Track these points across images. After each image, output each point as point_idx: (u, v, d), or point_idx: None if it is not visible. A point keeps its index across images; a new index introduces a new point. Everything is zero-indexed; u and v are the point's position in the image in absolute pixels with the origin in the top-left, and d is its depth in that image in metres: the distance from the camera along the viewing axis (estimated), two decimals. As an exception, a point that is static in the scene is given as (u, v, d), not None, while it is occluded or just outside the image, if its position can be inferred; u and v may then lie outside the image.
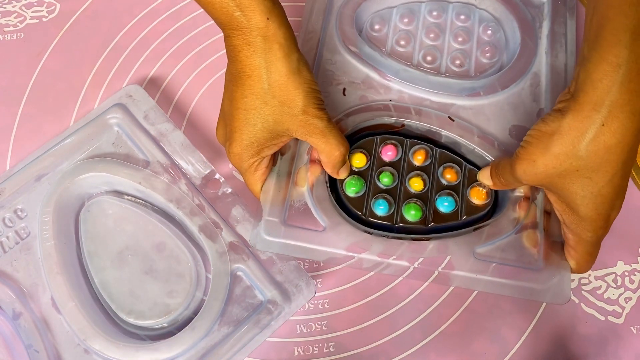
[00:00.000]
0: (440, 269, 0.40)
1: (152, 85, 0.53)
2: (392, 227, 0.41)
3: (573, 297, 0.46)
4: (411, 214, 0.41)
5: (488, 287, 0.40)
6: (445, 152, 0.44)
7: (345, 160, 0.42)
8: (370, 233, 0.41)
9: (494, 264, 0.40)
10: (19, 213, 0.45)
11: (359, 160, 0.43)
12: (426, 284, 0.46)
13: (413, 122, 0.45)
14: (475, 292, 0.46)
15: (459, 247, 0.40)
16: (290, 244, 0.41)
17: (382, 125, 0.45)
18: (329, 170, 0.42)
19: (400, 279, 0.46)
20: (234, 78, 0.38)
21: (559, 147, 0.34)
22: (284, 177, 0.42)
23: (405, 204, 0.42)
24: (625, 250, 0.47)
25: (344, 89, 0.46)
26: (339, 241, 0.40)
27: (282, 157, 0.43)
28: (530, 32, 0.49)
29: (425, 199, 0.42)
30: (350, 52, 0.48)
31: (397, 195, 0.42)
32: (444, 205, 0.41)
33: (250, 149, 0.39)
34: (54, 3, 0.57)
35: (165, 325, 0.43)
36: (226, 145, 0.41)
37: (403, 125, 0.46)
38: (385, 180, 0.42)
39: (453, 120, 0.45)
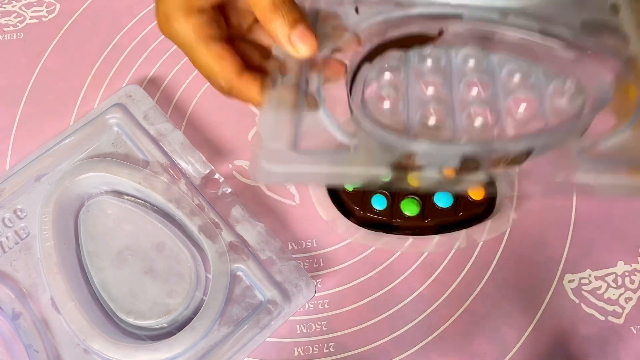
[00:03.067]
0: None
1: (152, 85, 0.53)
2: (390, 223, 0.42)
3: (573, 297, 0.46)
4: (409, 209, 0.41)
5: None
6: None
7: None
8: (368, 228, 0.41)
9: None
10: (19, 213, 0.45)
11: None
12: (425, 284, 0.46)
13: (455, 26, 0.35)
14: (476, 292, 0.45)
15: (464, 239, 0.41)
16: (307, 172, 0.31)
17: (411, 39, 0.35)
18: (265, 26, 0.32)
19: (400, 279, 0.46)
20: None
21: None
22: (287, 102, 0.32)
23: (403, 199, 0.42)
24: (625, 250, 0.47)
25: (357, 7, 0.36)
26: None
27: (284, 77, 0.33)
28: None
29: (423, 194, 0.42)
30: None
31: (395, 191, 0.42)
32: (442, 200, 0.42)
33: (176, 1, 0.31)
34: (54, 3, 0.57)
35: (165, 325, 0.43)
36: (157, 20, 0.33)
37: (441, 32, 0.35)
38: None
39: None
